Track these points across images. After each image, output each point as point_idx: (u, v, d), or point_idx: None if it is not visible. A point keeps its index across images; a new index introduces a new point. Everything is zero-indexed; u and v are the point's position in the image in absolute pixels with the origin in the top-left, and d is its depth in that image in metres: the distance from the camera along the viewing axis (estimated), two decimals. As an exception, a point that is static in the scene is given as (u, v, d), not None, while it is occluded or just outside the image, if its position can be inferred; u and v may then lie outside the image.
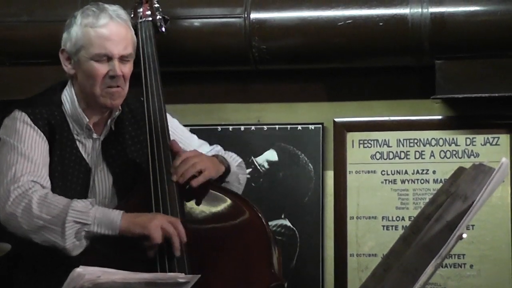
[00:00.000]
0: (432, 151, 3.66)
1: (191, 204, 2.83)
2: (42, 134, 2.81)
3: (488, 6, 3.33)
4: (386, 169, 3.68)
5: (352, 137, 3.71)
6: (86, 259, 2.57)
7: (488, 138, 3.62)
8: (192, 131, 3.29)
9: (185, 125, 3.63)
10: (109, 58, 2.81)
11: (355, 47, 3.46)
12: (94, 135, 2.90)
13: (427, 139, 3.66)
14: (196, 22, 3.52)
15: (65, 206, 2.66)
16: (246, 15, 3.49)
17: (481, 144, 3.62)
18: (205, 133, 3.69)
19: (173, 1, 3.49)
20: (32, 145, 2.79)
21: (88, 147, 2.89)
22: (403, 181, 3.67)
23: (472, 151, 3.63)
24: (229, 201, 2.83)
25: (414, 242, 2.03)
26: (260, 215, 2.80)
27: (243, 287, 2.75)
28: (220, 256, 2.76)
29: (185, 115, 3.74)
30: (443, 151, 3.65)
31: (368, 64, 3.61)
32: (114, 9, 2.86)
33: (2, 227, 2.74)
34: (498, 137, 3.61)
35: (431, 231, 1.99)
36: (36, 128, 2.81)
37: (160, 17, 3.16)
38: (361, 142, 3.71)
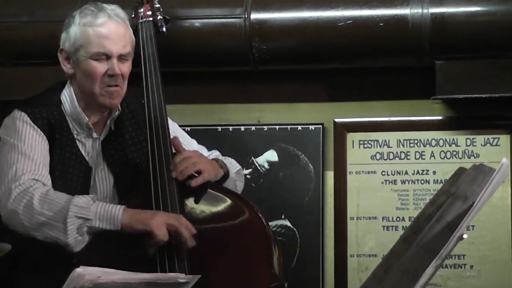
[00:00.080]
0: (432, 152, 3.66)
1: (191, 205, 2.83)
2: (42, 133, 2.82)
3: (489, 6, 3.33)
4: (386, 170, 3.68)
5: (352, 138, 3.70)
6: (86, 259, 2.58)
7: (488, 139, 3.62)
8: (192, 131, 3.29)
9: (185, 125, 3.63)
10: (107, 57, 2.82)
11: (356, 48, 3.46)
12: (94, 135, 2.90)
13: (427, 139, 3.66)
14: (196, 23, 3.52)
15: (67, 202, 2.67)
16: (246, 16, 3.49)
17: (481, 145, 3.62)
18: (205, 134, 3.70)
19: (173, 1, 3.49)
20: (32, 144, 2.79)
21: (88, 147, 2.89)
22: (403, 182, 3.67)
23: (472, 151, 3.63)
24: (229, 201, 2.83)
25: (414, 243, 2.03)
26: (260, 215, 2.80)
27: (243, 287, 2.75)
28: (221, 256, 2.76)
29: (185, 115, 3.74)
30: (443, 151, 3.65)
31: (368, 64, 3.61)
32: (113, 8, 2.87)
33: (2, 227, 2.74)
34: (498, 138, 3.61)
35: (431, 231, 1.99)
36: (36, 127, 2.81)
37: (161, 17, 3.16)
38: (361, 142, 3.71)
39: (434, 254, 1.92)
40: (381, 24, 3.39)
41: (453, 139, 3.65)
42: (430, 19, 3.36)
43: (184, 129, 3.23)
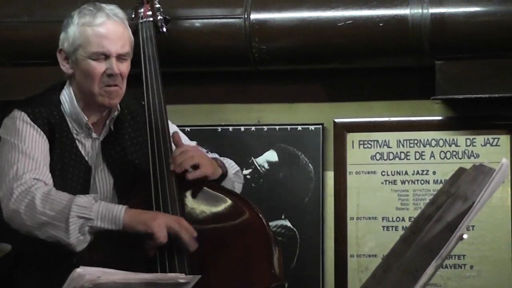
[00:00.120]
0: (432, 152, 3.66)
1: (191, 205, 2.83)
2: (42, 133, 2.82)
3: (488, 6, 3.33)
4: (386, 170, 3.68)
5: (352, 138, 3.70)
6: (87, 259, 2.59)
7: (488, 139, 3.62)
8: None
9: (185, 126, 3.64)
10: (106, 57, 2.82)
11: (355, 48, 3.46)
12: (94, 135, 2.90)
13: (427, 139, 3.66)
14: (196, 23, 3.52)
15: (68, 202, 2.67)
16: (246, 16, 3.49)
17: (481, 145, 3.62)
18: (205, 134, 3.70)
19: (173, 1, 3.49)
20: (32, 143, 2.79)
21: (87, 147, 2.90)
22: (403, 182, 3.67)
23: (472, 151, 3.63)
24: (229, 202, 2.83)
25: (414, 243, 2.03)
26: (260, 215, 2.80)
27: (244, 287, 2.75)
28: (221, 257, 2.76)
29: (185, 116, 3.74)
30: (443, 151, 3.65)
31: (368, 64, 3.61)
32: (111, 8, 2.88)
33: (2, 227, 2.74)
34: (498, 138, 3.61)
35: (431, 231, 1.99)
36: (35, 126, 2.82)
37: (161, 17, 3.16)
38: (361, 142, 3.71)
39: (434, 254, 1.92)
40: (381, 24, 3.39)
41: (453, 139, 3.65)
42: (430, 19, 3.36)
43: (184, 129, 3.24)
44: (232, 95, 3.79)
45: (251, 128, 3.77)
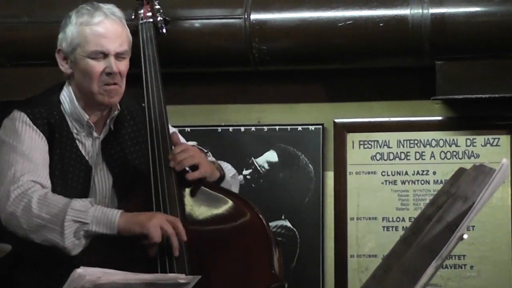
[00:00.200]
0: (432, 152, 3.66)
1: (191, 205, 2.83)
2: (41, 134, 2.82)
3: (489, 7, 3.33)
4: (386, 170, 3.68)
5: (352, 138, 3.70)
6: (87, 259, 2.59)
7: (488, 139, 3.62)
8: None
9: (185, 126, 3.65)
10: (105, 56, 2.82)
11: (356, 48, 3.46)
12: (94, 134, 2.90)
13: (427, 140, 3.66)
14: (196, 23, 3.52)
15: (64, 206, 2.67)
16: (246, 16, 3.49)
17: (482, 145, 3.62)
18: (206, 134, 3.70)
19: (173, 1, 3.49)
20: (31, 145, 2.79)
21: (87, 146, 2.90)
22: (403, 182, 3.67)
23: (472, 152, 3.63)
24: (229, 202, 2.83)
25: (414, 243, 2.03)
26: (260, 216, 2.80)
27: (244, 288, 2.76)
28: (221, 257, 2.76)
29: (186, 116, 3.74)
30: (443, 152, 3.65)
31: (369, 65, 3.61)
32: (109, 7, 2.88)
33: (2, 227, 2.74)
34: (499, 138, 3.61)
35: (431, 232, 1.99)
36: (35, 127, 2.82)
37: (161, 18, 3.16)
38: (361, 143, 3.71)
39: (434, 254, 1.92)
40: (381, 25, 3.39)
41: (453, 140, 3.65)
42: (430, 19, 3.36)
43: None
44: (232, 95, 3.79)
45: (251, 129, 3.77)
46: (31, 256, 2.84)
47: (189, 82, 3.76)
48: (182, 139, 3.07)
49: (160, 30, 3.16)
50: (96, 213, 2.67)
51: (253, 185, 3.73)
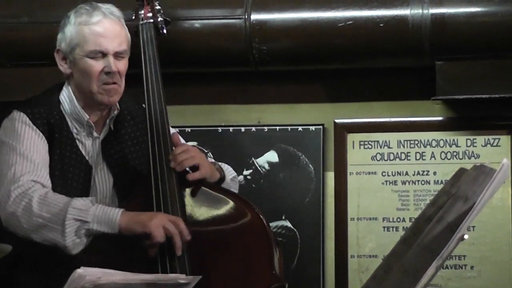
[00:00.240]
0: (432, 152, 3.66)
1: (192, 206, 2.83)
2: (41, 134, 2.82)
3: (489, 7, 3.33)
4: (387, 170, 3.68)
5: (353, 138, 3.70)
6: (88, 259, 2.59)
7: (488, 139, 3.62)
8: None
9: (185, 126, 3.64)
10: (104, 55, 2.83)
11: (356, 48, 3.46)
12: (94, 134, 2.90)
13: (428, 140, 3.66)
14: (197, 23, 3.52)
15: (65, 205, 2.67)
16: (246, 16, 3.49)
17: (482, 145, 3.62)
18: (206, 134, 3.70)
19: (173, 2, 3.49)
20: (31, 145, 2.79)
21: (88, 146, 2.90)
22: (403, 182, 3.67)
23: (472, 152, 3.63)
24: (230, 202, 2.83)
25: (415, 243, 2.03)
26: (261, 216, 2.80)
27: (244, 288, 2.76)
28: (221, 257, 2.76)
29: (186, 116, 3.74)
30: (443, 152, 3.65)
31: (369, 65, 3.61)
32: (107, 7, 2.89)
33: (3, 228, 2.74)
34: (499, 138, 3.61)
35: (432, 232, 1.99)
36: (34, 128, 2.82)
37: (162, 19, 3.15)
38: (362, 143, 3.71)
39: (435, 254, 1.92)
40: (381, 25, 3.39)
41: (454, 140, 3.65)
42: (430, 19, 3.36)
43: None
44: (233, 95, 3.79)
45: (251, 129, 3.77)
46: (31, 256, 2.84)
47: (189, 82, 3.76)
48: (182, 140, 3.08)
49: (161, 31, 3.16)
50: (97, 212, 2.67)
51: (254, 186, 3.73)
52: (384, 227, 3.67)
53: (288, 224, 3.71)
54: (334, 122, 3.71)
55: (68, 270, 1.99)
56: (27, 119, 2.82)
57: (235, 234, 2.81)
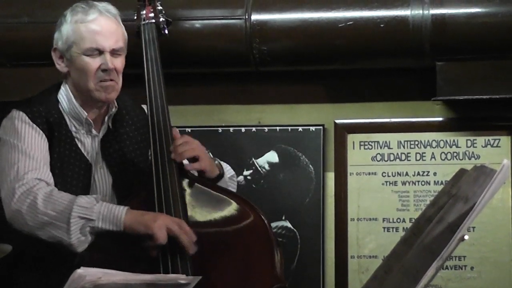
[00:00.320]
0: (433, 153, 3.66)
1: (194, 206, 2.83)
2: (41, 132, 2.82)
3: (489, 8, 3.33)
4: (387, 171, 3.68)
5: (353, 139, 3.70)
6: (89, 257, 2.59)
7: (489, 140, 3.62)
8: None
9: (186, 126, 3.64)
10: (100, 52, 2.84)
11: (356, 49, 3.46)
12: (93, 131, 2.90)
13: (428, 140, 3.66)
14: (197, 24, 3.52)
15: (70, 202, 2.67)
16: (247, 17, 3.49)
17: (482, 146, 3.62)
18: (206, 135, 3.70)
19: (174, 2, 3.49)
20: (32, 143, 2.80)
21: (87, 145, 2.90)
22: (404, 183, 3.67)
23: (473, 153, 3.63)
24: (231, 203, 2.83)
25: (415, 244, 2.03)
26: (262, 217, 2.80)
27: (245, 289, 2.76)
28: (222, 258, 2.75)
29: (186, 116, 3.74)
30: (444, 152, 3.65)
31: (369, 65, 3.61)
32: (103, 5, 2.90)
33: (3, 227, 2.74)
34: (499, 139, 3.61)
35: (432, 233, 1.99)
36: (34, 126, 2.82)
37: (163, 19, 3.15)
38: (362, 143, 3.71)
39: (435, 255, 1.92)
40: (381, 25, 3.39)
41: (454, 140, 3.65)
42: (431, 20, 3.36)
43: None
44: (233, 96, 3.79)
45: (251, 129, 3.77)
46: (31, 256, 2.85)
47: (190, 83, 3.76)
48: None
49: (162, 31, 3.16)
50: (102, 209, 2.67)
51: (254, 186, 3.73)
52: (384, 228, 3.67)
53: (288, 224, 3.71)
54: (335, 123, 3.71)
55: (68, 270, 2.00)
56: (27, 118, 2.83)
57: (236, 235, 2.80)
